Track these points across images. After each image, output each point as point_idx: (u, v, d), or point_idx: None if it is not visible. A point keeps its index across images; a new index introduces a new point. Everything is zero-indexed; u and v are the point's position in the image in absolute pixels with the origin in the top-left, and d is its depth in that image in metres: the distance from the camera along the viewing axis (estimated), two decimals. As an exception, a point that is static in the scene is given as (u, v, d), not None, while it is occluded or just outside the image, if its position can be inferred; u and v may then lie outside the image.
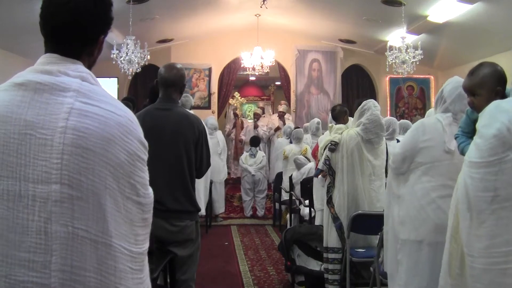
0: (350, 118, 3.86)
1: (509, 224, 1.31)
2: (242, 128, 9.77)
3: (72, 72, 1.07)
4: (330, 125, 3.91)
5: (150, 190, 1.15)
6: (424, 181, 2.40)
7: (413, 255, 2.40)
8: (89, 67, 1.14)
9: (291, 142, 7.02)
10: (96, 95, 1.06)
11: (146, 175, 1.12)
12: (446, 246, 1.59)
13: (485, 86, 1.95)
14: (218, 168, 6.64)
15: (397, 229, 2.51)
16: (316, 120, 6.51)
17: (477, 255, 1.37)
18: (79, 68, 1.10)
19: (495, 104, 1.42)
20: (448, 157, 2.38)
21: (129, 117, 1.09)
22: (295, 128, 7.29)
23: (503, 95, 1.90)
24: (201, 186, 5.38)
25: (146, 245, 1.13)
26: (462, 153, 2.17)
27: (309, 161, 5.61)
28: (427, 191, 2.38)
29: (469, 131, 2.00)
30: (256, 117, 9.36)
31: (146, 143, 1.12)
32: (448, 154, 2.38)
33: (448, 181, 2.35)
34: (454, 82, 2.47)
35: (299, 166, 5.56)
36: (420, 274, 2.38)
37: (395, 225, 2.53)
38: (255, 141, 7.68)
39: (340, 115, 3.88)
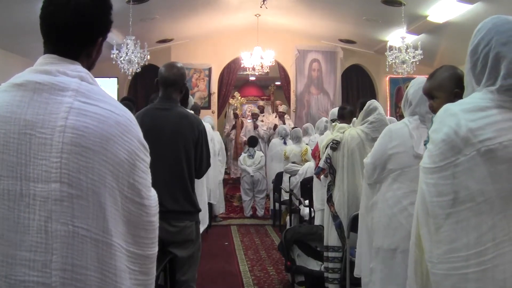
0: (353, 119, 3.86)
1: (467, 227, 1.29)
2: (242, 128, 9.79)
3: (71, 72, 1.08)
4: (333, 124, 3.91)
5: (154, 192, 1.14)
6: (395, 189, 2.37)
7: (388, 263, 2.38)
8: (88, 68, 1.15)
9: (284, 143, 7.01)
10: (95, 95, 1.07)
11: (148, 177, 1.12)
12: (410, 254, 1.58)
13: (443, 89, 1.95)
14: (217, 169, 6.61)
15: (371, 237, 2.50)
16: (324, 119, 6.44)
17: (437, 261, 1.34)
18: (78, 68, 1.10)
19: (445, 108, 1.41)
20: (417, 162, 2.31)
21: (128, 117, 1.09)
22: (293, 127, 7.28)
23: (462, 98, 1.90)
24: (211, 185, 5.36)
25: (154, 249, 1.13)
26: None
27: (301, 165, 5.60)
28: (398, 199, 2.35)
29: None
30: (255, 117, 9.36)
31: (146, 144, 1.12)
32: (417, 159, 2.31)
33: (418, 186, 2.33)
34: (417, 84, 2.41)
35: (292, 174, 5.56)
36: (395, 282, 2.36)
37: (369, 232, 2.51)
38: (252, 142, 7.67)
39: (349, 114, 3.87)
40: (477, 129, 1.30)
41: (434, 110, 2.00)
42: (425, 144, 2.22)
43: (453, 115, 1.35)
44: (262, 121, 9.50)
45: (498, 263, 1.27)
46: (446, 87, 1.96)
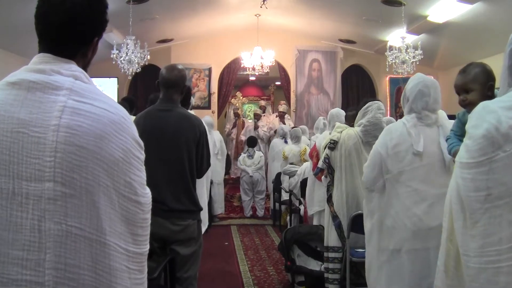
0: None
1: (502, 222, 1.32)
2: (243, 128, 9.79)
3: (65, 71, 1.07)
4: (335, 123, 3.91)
5: (148, 190, 1.14)
6: (397, 189, 2.38)
7: (393, 263, 2.40)
8: (84, 67, 1.14)
9: (285, 143, 7.02)
10: (89, 93, 1.06)
11: (143, 175, 1.12)
12: (441, 248, 1.62)
13: (478, 81, 2.04)
14: (216, 169, 6.61)
15: (377, 238, 2.50)
16: (321, 117, 6.41)
17: (472, 255, 1.38)
18: (73, 67, 1.10)
19: (482, 105, 1.44)
20: (417, 160, 2.35)
21: (123, 115, 1.09)
22: (293, 127, 7.28)
23: (493, 93, 1.97)
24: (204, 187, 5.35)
25: (148, 246, 1.13)
26: (450, 153, 2.18)
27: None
28: (401, 199, 2.36)
29: (461, 134, 2.04)
30: (257, 117, 9.39)
31: (142, 142, 1.12)
32: (417, 156, 2.35)
33: (420, 185, 2.33)
34: (416, 80, 2.44)
35: (291, 175, 5.56)
36: (399, 282, 2.37)
37: (375, 234, 2.52)
38: (251, 142, 7.67)
39: (351, 118, 3.84)
40: None
41: (468, 103, 2.05)
42: (447, 140, 2.24)
43: (493, 112, 1.37)
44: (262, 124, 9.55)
45: None
46: (481, 80, 2.04)
